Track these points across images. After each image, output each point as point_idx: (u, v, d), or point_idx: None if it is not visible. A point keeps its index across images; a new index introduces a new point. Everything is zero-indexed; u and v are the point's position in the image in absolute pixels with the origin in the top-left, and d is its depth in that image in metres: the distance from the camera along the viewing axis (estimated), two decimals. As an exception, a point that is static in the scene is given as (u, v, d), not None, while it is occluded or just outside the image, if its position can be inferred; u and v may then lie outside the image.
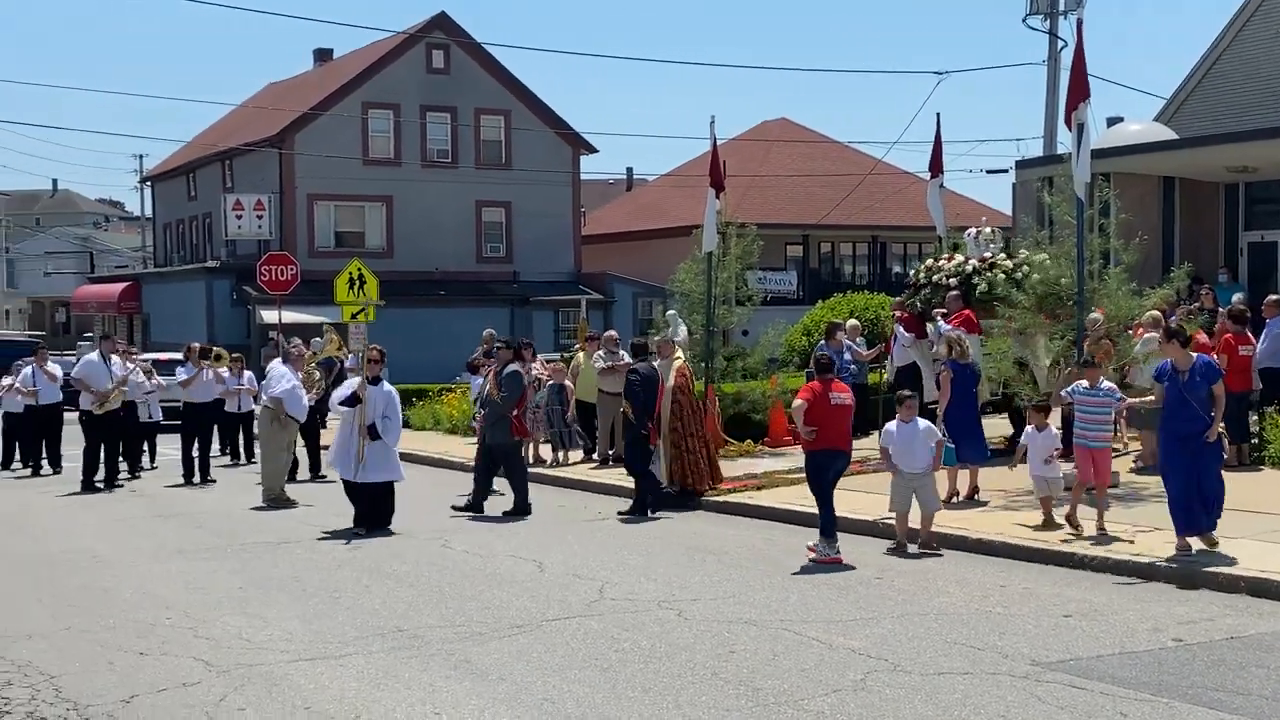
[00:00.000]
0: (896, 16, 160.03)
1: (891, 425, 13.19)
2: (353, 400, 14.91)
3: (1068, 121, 15.54)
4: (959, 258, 18.99)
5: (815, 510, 13.07)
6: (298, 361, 18.58)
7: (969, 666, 8.63)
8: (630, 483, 16.48)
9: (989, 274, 18.04)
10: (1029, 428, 13.59)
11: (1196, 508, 11.53)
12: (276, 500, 17.35)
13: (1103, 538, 12.39)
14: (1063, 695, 7.95)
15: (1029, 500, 14.24)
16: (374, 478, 14.88)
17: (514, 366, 16.51)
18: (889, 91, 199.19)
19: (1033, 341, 16.97)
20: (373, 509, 14.93)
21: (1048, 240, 17.79)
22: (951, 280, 18.37)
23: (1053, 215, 18.01)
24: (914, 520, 12.94)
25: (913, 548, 12.84)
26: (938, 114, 42.85)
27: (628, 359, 19.68)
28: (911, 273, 21.14)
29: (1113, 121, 32.28)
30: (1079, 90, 15.26)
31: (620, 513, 15.98)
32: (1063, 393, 13.53)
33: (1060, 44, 33.53)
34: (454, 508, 16.31)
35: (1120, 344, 15.62)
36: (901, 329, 18.87)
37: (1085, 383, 12.96)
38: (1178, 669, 8.50)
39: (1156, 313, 16.20)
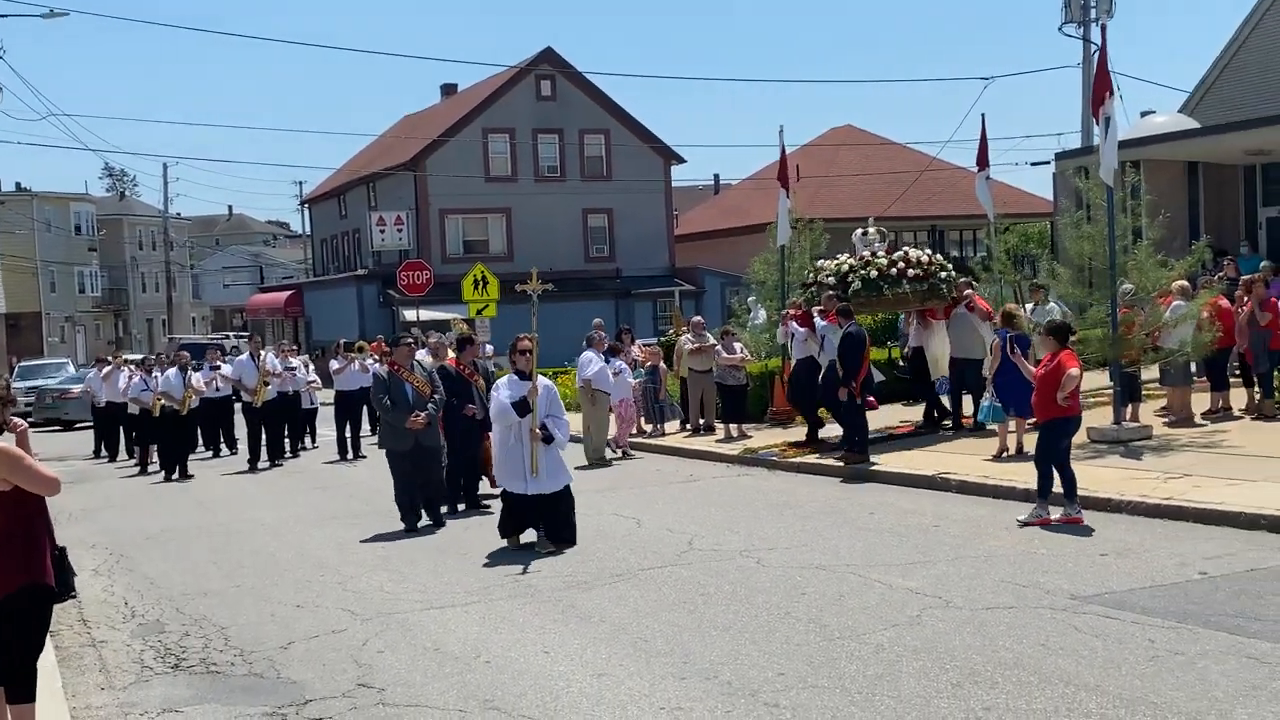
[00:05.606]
0: (945, 29, 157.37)
1: None
2: (523, 408, 11.39)
3: (1095, 115, 15.19)
4: (842, 258, 18.04)
5: (877, 468, 12.68)
6: (439, 351, 17.12)
7: (1014, 601, 8.42)
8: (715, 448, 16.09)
9: (862, 271, 17.21)
10: None
11: None
12: (601, 460, 17.55)
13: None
14: (1098, 625, 7.72)
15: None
16: (549, 486, 11.45)
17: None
18: (941, 98, 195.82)
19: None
20: (552, 520, 11.45)
21: (1085, 220, 17.37)
22: (829, 279, 17.50)
23: (1088, 199, 17.62)
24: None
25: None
26: (983, 115, 41.47)
27: (714, 341, 19.54)
28: (806, 273, 19.56)
29: (1146, 114, 31.45)
30: (1103, 87, 14.92)
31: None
32: None
33: (1093, 48, 32.78)
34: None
35: (1149, 311, 15.19)
36: (795, 324, 17.60)
37: None
38: (1201, 599, 8.19)
39: (1183, 282, 15.71)
